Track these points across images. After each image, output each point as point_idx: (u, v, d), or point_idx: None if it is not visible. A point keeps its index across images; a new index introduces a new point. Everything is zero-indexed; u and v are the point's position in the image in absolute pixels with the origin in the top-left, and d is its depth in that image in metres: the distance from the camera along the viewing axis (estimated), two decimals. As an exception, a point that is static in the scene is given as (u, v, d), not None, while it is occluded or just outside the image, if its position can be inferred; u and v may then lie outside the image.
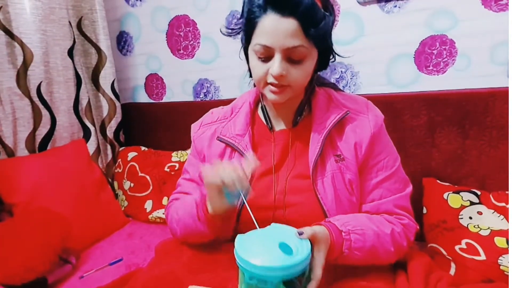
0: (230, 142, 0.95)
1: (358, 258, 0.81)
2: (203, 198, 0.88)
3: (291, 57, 0.80)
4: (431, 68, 1.38)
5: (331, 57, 0.91)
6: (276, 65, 0.79)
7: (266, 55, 0.81)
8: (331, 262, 0.80)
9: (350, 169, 0.89)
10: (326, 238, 0.75)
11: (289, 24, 0.76)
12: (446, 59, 1.35)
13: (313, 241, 0.71)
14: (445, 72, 1.37)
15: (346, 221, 0.82)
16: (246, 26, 0.84)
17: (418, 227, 0.93)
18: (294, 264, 0.64)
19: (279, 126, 0.97)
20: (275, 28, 0.77)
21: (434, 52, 1.36)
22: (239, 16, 0.88)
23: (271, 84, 0.83)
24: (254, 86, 1.00)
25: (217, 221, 0.86)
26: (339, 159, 0.89)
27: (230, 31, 0.92)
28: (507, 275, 1.01)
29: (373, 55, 1.46)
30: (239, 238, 0.70)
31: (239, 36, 0.91)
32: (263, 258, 0.64)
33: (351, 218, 0.84)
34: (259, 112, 1.00)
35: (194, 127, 1.06)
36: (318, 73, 0.97)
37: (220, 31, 0.94)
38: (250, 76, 0.94)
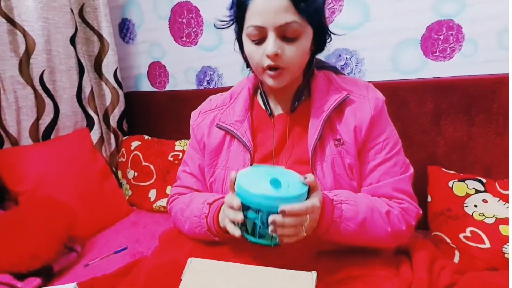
0: (229, 128, 0.95)
1: (351, 231, 0.79)
2: (213, 212, 0.87)
3: (285, 35, 0.79)
4: (437, 54, 1.36)
5: (327, 38, 0.90)
6: (270, 44, 0.78)
7: (260, 37, 0.81)
8: (323, 236, 0.79)
9: (350, 153, 0.88)
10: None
11: (279, 0, 0.76)
12: (452, 44, 1.33)
13: (313, 188, 0.74)
14: (451, 58, 1.34)
15: (339, 193, 0.82)
16: (237, 12, 0.85)
17: (420, 211, 0.91)
18: (277, 197, 0.69)
19: (278, 111, 0.96)
20: (265, 6, 0.77)
21: (440, 37, 1.34)
22: None
23: (269, 68, 0.82)
24: (253, 73, 0.99)
25: (228, 233, 0.86)
26: (339, 143, 0.88)
27: (223, 22, 0.91)
28: (512, 263, 1.01)
29: (379, 41, 1.44)
30: (241, 172, 0.76)
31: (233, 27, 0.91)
32: (254, 185, 0.71)
33: (345, 191, 0.84)
34: (258, 97, 1.00)
35: (193, 115, 1.06)
36: (318, 57, 0.96)
37: (214, 25, 0.94)
38: (247, 66, 0.93)
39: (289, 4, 0.76)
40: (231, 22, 0.91)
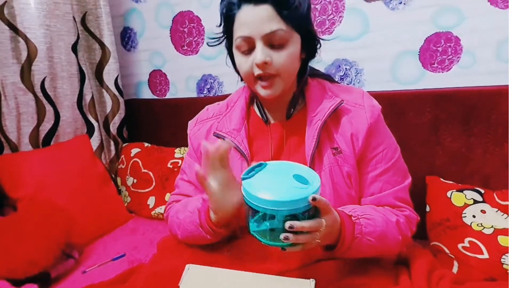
0: (226, 137, 0.95)
1: (370, 245, 0.79)
2: (205, 206, 0.88)
3: (272, 43, 0.81)
4: (436, 65, 1.37)
5: (316, 44, 0.91)
6: (258, 52, 0.80)
7: (248, 47, 0.82)
8: (343, 253, 0.79)
9: (348, 162, 0.88)
10: (336, 217, 0.73)
11: (263, 10, 0.78)
12: (451, 56, 1.34)
13: (325, 211, 0.69)
14: (450, 69, 1.36)
15: (353, 208, 0.82)
16: (226, 26, 0.87)
17: (418, 217, 0.92)
18: (307, 195, 0.64)
19: (274, 119, 0.96)
20: (250, 17, 0.79)
21: (439, 49, 1.35)
22: None
23: (260, 78, 0.83)
24: None
25: (220, 229, 0.86)
26: (336, 152, 0.88)
27: (214, 40, 0.93)
28: (511, 274, 1.01)
29: (378, 52, 1.45)
30: (246, 182, 0.70)
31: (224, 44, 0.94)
32: (277, 192, 0.65)
33: (356, 206, 0.84)
34: (254, 106, 1.00)
35: (190, 124, 1.06)
36: (316, 67, 0.97)
37: (207, 44, 0.96)
38: (242, 79, 0.94)
39: (273, 12, 0.78)
40: (222, 38, 0.93)
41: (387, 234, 0.82)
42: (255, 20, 0.79)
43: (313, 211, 0.68)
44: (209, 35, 0.95)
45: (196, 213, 0.88)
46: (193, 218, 0.89)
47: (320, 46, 0.92)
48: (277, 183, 0.68)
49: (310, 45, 0.89)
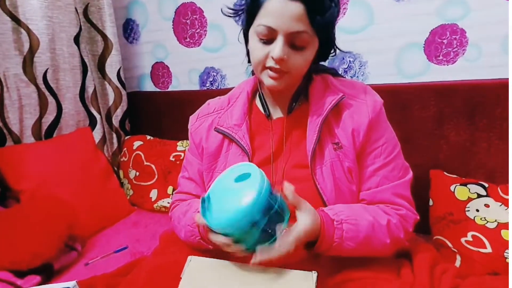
0: (227, 132, 0.94)
1: (351, 249, 0.79)
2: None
3: (294, 43, 0.79)
4: (441, 58, 1.36)
5: (332, 51, 0.90)
6: (278, 48, 0.78)
7: (269, 37, 0.80)
8: (323, 253, 0.79)
9: (348, 157, 0.87)
10: (315, 216, 0.76)
11: (296, 7, 0.75)
12: (456, 49, 1.33)
13: (298, 205, 0.74)
14: (455, 62, 1.34)
15: (340, 211, 0.81)
16: (250, 6, 0.83)
17: (418, 217, 0.90)
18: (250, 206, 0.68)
19: (277, 114, 0.96)
20: (281, 10, 0.76)
21: (444, 41, 1.34)
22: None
23: (270, 68, 0.82)
24: (253, 74, 0.98)
25: None
26: (338, 147, 0.87)
27: (232, 11, 0.91)
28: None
29: (382, 44, 1.44)
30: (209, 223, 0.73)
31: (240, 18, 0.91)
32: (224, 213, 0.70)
33: (345, 208, 0.83)
34: (257, 101, 0.99)
35: (191, 119, 1.05)
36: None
37: (221, 11, 0.93)
38: (249, 61, 0.92)
39: (304, 13, 0.75)
40: (240, 13, 0.90)
41: (372, 238, 0.81)
42: (284, 14, 0.76)
43: (279, 204, 0.72)
44: (228, 5, 0.92)
45: (196, 228, 0.89)
46: (194, 232, 0.90)
47: (335, 54, 0.91)
48: (227, 201, 0.72)
49: (325, 50, 0.89)
